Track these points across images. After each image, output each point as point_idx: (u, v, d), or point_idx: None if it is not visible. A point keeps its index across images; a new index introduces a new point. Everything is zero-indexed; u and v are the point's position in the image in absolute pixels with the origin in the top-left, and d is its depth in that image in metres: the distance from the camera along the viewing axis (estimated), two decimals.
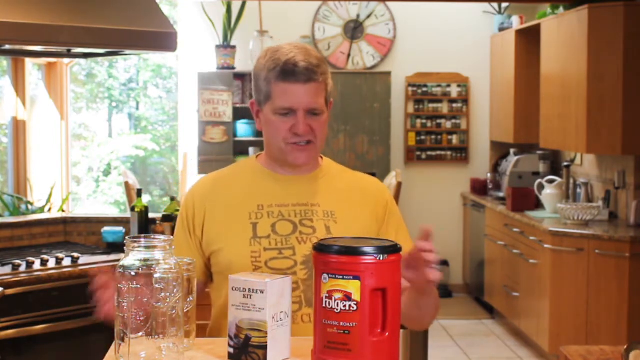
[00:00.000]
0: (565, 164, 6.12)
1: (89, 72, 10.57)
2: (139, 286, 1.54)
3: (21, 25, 3.39)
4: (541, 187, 5.93)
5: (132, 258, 1.56)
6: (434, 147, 7.46)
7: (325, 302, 1.52)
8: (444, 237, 7.42)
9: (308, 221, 2.03)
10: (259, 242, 2.00)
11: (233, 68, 6.97)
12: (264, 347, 1.60)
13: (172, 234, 2.11)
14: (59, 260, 3.62)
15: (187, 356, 1.67)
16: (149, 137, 10.52)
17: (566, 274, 5.09)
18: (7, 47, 3.73)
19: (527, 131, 6.61)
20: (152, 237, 1.60)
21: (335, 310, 1.51)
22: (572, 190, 5.97)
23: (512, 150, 6.89)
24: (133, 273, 1.54)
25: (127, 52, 4.04)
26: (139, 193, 4.18)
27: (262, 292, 1.60)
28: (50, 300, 3.49)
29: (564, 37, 5.66)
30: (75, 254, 3.71)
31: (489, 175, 7.12)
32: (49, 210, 6.14)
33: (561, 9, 5.81)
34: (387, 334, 1.53)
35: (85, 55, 4.19)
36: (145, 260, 1.56)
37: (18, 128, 6.27)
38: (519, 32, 6.64)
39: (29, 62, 6.34)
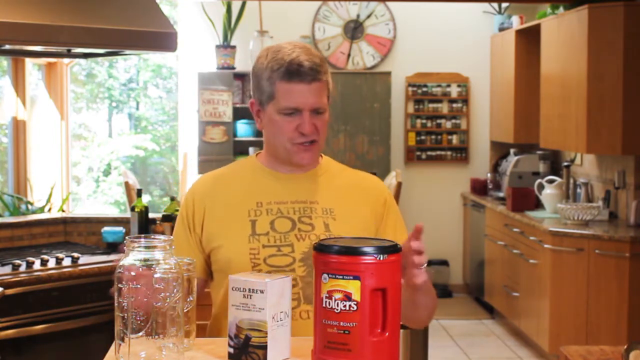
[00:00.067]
0: (565, 164, 6.12)
1: (89, 72, 10.57)
2: (139, 286, 1.54)
3: (21, 25, 3.39)
4: (541, 187, 5.93)
5: (132, 258, 1.56)
6: (434, 147, 7.46)
7: (325, 302, 1.52)
8: (444, 237, 7.42)
9: (307, 218, 2.04)
10: (258, 239, 2.00)
11: (233, 68, 6.97)
12: (264, 347, 1.60)
13: (172, 234, 2.11)
14: (59, 260, 3.62)
15: (187, 356, 1.67)
16: (149, 137, 10.52)
17: (566, 274, 5.09)
18: (7, 47, 3.73)
19: (527, 131, 6.61)
20: (152, 237, 1.60)
21: (335, 310, 1.51)
22: (572, 190, 5.97)
23: (512, 150, 6.89)
24: (133, 273, 1.54)
25: (127, 52, 4.04)
26: (139, 193, 4.18)
27: (262, 292, 1.60)
28: (50, 300, 3.49)
29: (564, 37, 5.66)
30: (75, 254, 3.71)
31: (489, 175, 7.12)
32: (49, 210, 6.14)
33: (561, 9, 5.81)
34: (387, 334, 1.53)
35: (85, 55, 4.19)
36: (145, 260, 1.56)
37: (18, 128, 6.27)
38: (519, 32, 6.64)
39: (29, 62, 6.34)
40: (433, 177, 7.50)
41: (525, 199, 6.00)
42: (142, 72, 10.84)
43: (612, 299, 4.90)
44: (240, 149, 6.97)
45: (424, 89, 7.42)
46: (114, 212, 9.59)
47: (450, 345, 5.87)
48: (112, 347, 1.64)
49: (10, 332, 3.35)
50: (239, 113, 6.97)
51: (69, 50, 3.96)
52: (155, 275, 1.55)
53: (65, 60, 6.54)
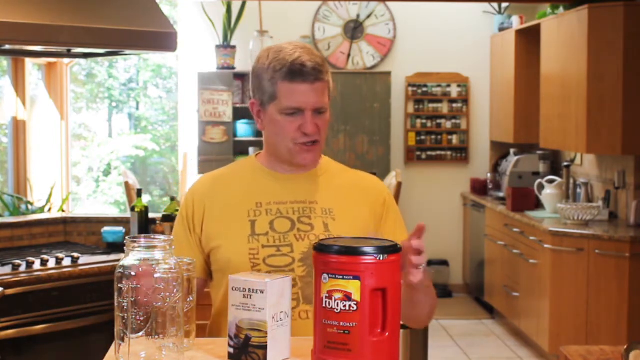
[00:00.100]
0: (565, 164, 6.12)
1: (89, 72, 10.57)
2: (139, 286, 1.54)
3: (21, 25, 3.39)
4: (541, 187, 5.93)
5: (132, 258, 1.56)
6: (434, 147, 7.46)
7: (325, 302, 1.52)
8: (444, 237, 7.42)
9: (306, 218, 2.04)
10: (257, 240, 2.01)
11: (233, 68, 6.97)
12: (264, 347, 1.60)
13: (172, 234, 2.11)
14: (59, 260, 3.62)
15: (187, 356, 1.67)
16: (149, 137, 10.52)
17: (566, 274, 5.09)
18: (7, 47, 3.73)
19: (527, 131, 6.61)
20: (152, 237, 1.60)
21: (335, 310, 1.51)
22: (572, 190, 5.97)
23: (512, 150, 6.89)
24: (133, 273, 1.54)
25: (127, 52, 4.04)
26: (139, 193, 4.18)
27: (262, 292, 1.60)
28: (50, 300, 3.49)
29: (564, 37, 5.66)
30: (75, 254, 3.71)
31: (489, 175, 7.12)
32: (49, 210, 6.14)
33: (561, 9, 5.82)
34: (387, 334, 1.53)
35: (85, 55, 4.19)
36: (145, 260, 1.56)
37: (18, 128, 6.27)
38: (519, 32, 6.64)
39: (29, 62, 6.34)
40: (433, 177, 7.50)
41: (525, 199, 6.00)
42: (142, 72, 10.84)
43: (612, 299, 4.90)
44: (240, 149, 6.97)
45: (424, 89, 7.42)
46: (114, 212, 9.59)
47: (450, 345, 5.87)
48: (112, 347, 1.64)
49: (10, 332, 3.35)
50: (239, 113, 6.97)
51: (69, 50, 3.96)
52: (155, 275, 1.55)
53: (65, 60, 6.54)
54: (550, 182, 5.90)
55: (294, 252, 2.00)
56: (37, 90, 6.75)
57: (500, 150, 7.29)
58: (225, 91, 6.90)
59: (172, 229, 2.19)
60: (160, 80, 10.93)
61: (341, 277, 1.51)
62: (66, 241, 4.28)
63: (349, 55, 7.35)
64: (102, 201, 10.35)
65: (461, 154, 7.48)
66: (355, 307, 1.50)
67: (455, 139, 7.46)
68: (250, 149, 6.90)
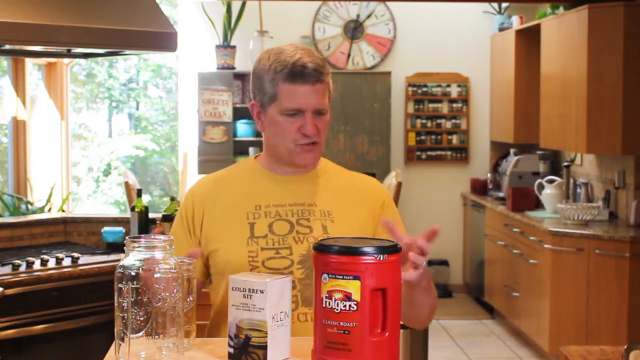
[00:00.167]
0: (565, 164, 6.13)
1: (89, 72, 10.57)
2: (139, 286, 1.54)
3: (21, 25, 3.39)
4: (541, 187, 5.93)
5: (132, 258, 1.56)
6: (434, 147, 7.46)
7: (325, 302, 1.52)
8: (444, 237, 7.42)
9: (305, 221, 2.04)
10: (256, 242, 2.01)
11: (233, 68, 6.97)
12: (264, 347, 1.60)
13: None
14: (59, 260, 3.62)
15: (187, 356, 1.67)
16: (149, 137, 10.52)
17: (566, 274, 5.09)
18: (7, 47, 3.73)
19: (527, 131, 6.61)
20: (152, 237, 1.60)
21: (335, 310, 1.51)
22: (572, 190, 5.97)
23: (512, 150, 6.89)
24: (133, 273, 1.54)
25: (127, 52, 4.04)
26: (139, 193, 4.18)
27: (262, 292, 1.60)
28: (50, 300, 3.49)
29: (564, 37, 5.66)
30: (75, 254, 3.71)
31: (489, 175, 7.12)
32: (49, 210, 6.14)
33: (561, 9, 5.82)
34: (387, 334, 1.53)
35: (85, 55, 4.19)
36: (146, 260, 1.56)
37: (18, 128, 6.27)
38: (519, 32, 6.64)
39: (29, 62, 6.34)
40: (433, 177, 7.50)
41: (525, 199, 6.00)
42: (142, 72, 10.84)
43: (612, 299, 4.90)
44: (240, 149, 6.97)
45: (424, 89, 7.42)
46: (114, 212, 9.59)
47: (450, 345, 5.87)
48: (112, 347, 1.64)
49: (10, 332, 3.35)
50: (239, 113, 6.97)
51: (69, 50, 3.96)
52: (155, 275, 1.55)
53: (65, 60, 6.54)
54: (550, 182, 5.90)
55: (293, 254, 2.01)
56: (37, 90, 6.75)
57: (500, 150, 7.29)
58: (225, 91, 6.90)
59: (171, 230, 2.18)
60: (160, 80, 10.93)
61: (341, 277, 1.51)
62: (66, 241, 4.28)
63: (349, 55, 7.35)
64: (102, 201, 10.35)
65: (461, 154, 7.48)
66: (355, 307, 1.50)
67: (455, 139, 7.46)
68: (250, 149, 6.90)
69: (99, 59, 8.84)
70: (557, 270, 5.13)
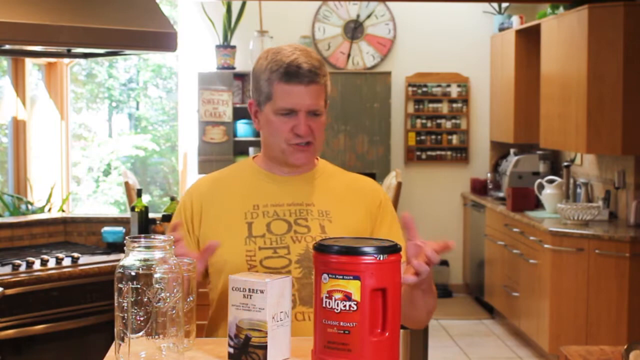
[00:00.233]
0: (565, 164, 6.13)
1: (89, 72, 10.57)
2: (139, 286, 1.54)
3: (21, 25, 3.39)
4: (541, 187, 5.93)
5: (132, 258, 1.56)
6: (434, 147, 7.46)
7: (325, 302, 1.52)
8: (444, 237, 7.39)
9: (302, 220, 2.05)
10: (254, 242, 2.02)
11: (233, 68, 6.97)
12: (264, 347, 1.60)
13: None
14: (59, 260, 3.62)
15: (187, 356, 1.67)
16: (149, 137, 10.52)
17: (566, 274, 5.09)
18: (7, 47, 3.73)
19: (527, 131, 6.61)
20: (152, 237, 1.60)
21: (335, 310, 1.51)
22: (572, 190, 5.97)
23: (512, 150, 6.89)
24: (133, 273, 1.54)
25: (127, 52, 4.04)
26: (139, 193, 4.18)
27: (262, 292, 1.60)
28: (50, 300, 3.49)
29: (564, 37, 5.66)
30: (75, 254, 3.71)
31: (489, 175, 7.13)
32: (49, 210, 6.14)
33: (561, 9, 5.82)
34: (387, 334, 1.53)
35: (85, 55, 4.19)
36: (145, 260, 1.56)
37: (18, 128, 6.27)
38: (519, 32, 6.64)
39: (29, 62, 6.34)
40: (433, 177, 7.50)
41: (525, 199, 6.00)
42: (142, 72, 10.84)
43: (612, 299, 4.90)
44: (240, 149, 6.97)
45: (424, 89, 7.42)
46: (114, 212, 9.59)
47: (450, 345, 5.87)
48: (112, 347, 1.64)
49: (10, 332, 3.35)
50: (239, 113, 6.97)
51: (69, 50, 3.96)
52: (155, 275, 1.55)
53: (65, 60, 6.54)
54: (550, 182, 5.90)
55: (291, 253, 2.01)
56: (37, 90, 6.75)
57: (500, 150, 7.29)
58: (225, 91, 6.90)
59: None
60: (160, 80, 10.93)
61: (341, 277, 1.51)
62: (66, 241, 4.28)
63: (349, 55, 7.35)
64: (102, 201, 10.35)
65: (461, 154, 7.48)
66: (355, 307, 1.50)
67: (455, 139, 7.46)
68: (250, 149, 6.90)
69: (99, 59, 8.84)
70: (557, 270, 5.13)
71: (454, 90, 7.43)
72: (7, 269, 3.48)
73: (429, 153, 7.46)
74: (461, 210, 7.50)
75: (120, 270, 1.56)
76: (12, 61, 6.21)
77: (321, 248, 1.54)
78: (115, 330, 1.58)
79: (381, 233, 2.09)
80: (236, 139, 6.97)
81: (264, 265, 2.00)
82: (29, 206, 6.05)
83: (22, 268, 3.50)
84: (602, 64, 5.20)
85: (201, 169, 6.88)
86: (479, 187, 7.11)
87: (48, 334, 3.48)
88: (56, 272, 3.53)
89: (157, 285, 1.55)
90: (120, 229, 4.14)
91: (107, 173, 10.45)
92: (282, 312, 1.63)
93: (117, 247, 4.04)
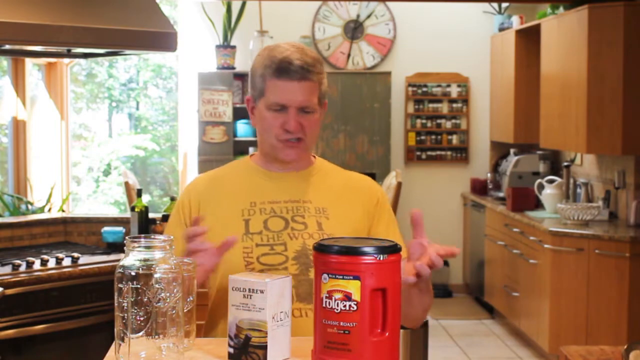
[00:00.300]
0: (565, 164, 6.13)
1: (89, 72, 10.57)
2: (139, 286, 1.54)
3: (21, 25, 3.39)
4: (541, 187, 5.93)
5: (132, 258, 1.56)
6: (434, 147, 7.46)
7: (325, 302, 1.52)
8: (444, 237, 7.41)
9: (300, 217, 2.06)
10: (251, 238, 2.02)
11: (233, 68, 6.97)
12: (264, 347, 1.60)
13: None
14: (59, 260, 3.62)
15: (187, 356, 1.67)
16: (149, 137, 10.52)
17: (566, 274, 5.09)
18: (7, 47, 3.73)
19: (527, 131, 6.61)
20: (152, 237, 1.59)
21: (335, 310, 1.51)
22: (572, 190, 5.97)
23: (512, 150, 6.89)
24: (133, 273, 1.54)
25: (127, 52, 4.04)
26: (139, 193, 4.18)
27: (262, 292, 1.60)
28: (50, 300, 3.49)
29: (564, 37, 5.66)
30: (75, 254, 3.71)
31: (489, 175, 7.12)
32: (49, 210, 6.14)
33: (561, 9, 5.82)
34: (387, 334, 1.53)
35: (85, 55, 4.19)
36: (145, 260, 1.56)
37: (18, 128, 6.27)
38: (519, 32, 6.64)
39: (29, 62, 6.34)
40: (433, 177, 7.50)
41: (525, 199, 6.00)
42: (142, 72, 10.84)
43: (612, 299, 4.90)
44: (240, 149, 6.97)
45: (424, 89, 7.42)
46: (114, 212, 9.59)
47: (450, 345, 5.87)
48: (112, 347, 1.64)
49: (10, 332, 3.35)
50: (239, 113, 6.97)
51: (69, 50, 3.96)
52: (155, 275, 1.55)
53: (65, 60, 6.54)
54: (550, 182, 5.90)
55: (288, 250, 2.02)
56: (37, 90, 6.75)
57: (500, 150, 7.29)
58: (225, 91, 6.90)
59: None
60: (160, 80, 10.92)
61: (341, 277, 1.51)
62: (66, 241, 4.28)
63: (349, 55, 7.35)
64: (102, 201, 10.35)
65: (461, 154, 7.48)
66: (355, 307, 1.50)
67: (455, 139, 7.46)
68: (250, 149, 6.90)
69: (99, 59, 8.84)
70: (557, 270, 5.13)
71: (454, 90, 7.43)
72: (7, 269, 3.48)
73: (429, 153, 7.46)
74: (461, 210, 7.50)
75: (120, 270, 1.56)
76: (12, 61, 6.21)
77: (321, 248, 1.54)
78: (115, 330, 1.58)
79: (379, 231, 2.10)
80: (236, 139, 6.97)
81: (261, 262, 2.01)
82: (29, 206, 6.05)
83: (22, 268, 3.50)
84: (602, 64, 5.20)
85: (201, 169, 6.88)
86: (479, 187, 7.11)
87: (48, 334, 3.48)
88: (56, 272, 3.53)
89: (157, 285, 1.55)
90: (120, 229, 4.14)
91: (107, 173, 10.45)
92: (282, 312, 1.63)
93: (117, 247, 4.04)
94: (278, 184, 2.10)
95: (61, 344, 3.54)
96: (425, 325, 3.04)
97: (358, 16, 7.35)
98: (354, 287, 1.50)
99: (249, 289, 1.61)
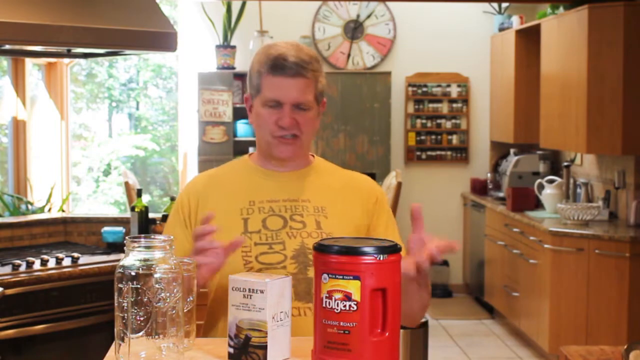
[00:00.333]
0: (565, 164, 6.13)
1: (89, 72, 10.57)
2: (139, 286, 1.54)
3: (21, 25, 3.39)
4: (541, 187, 5.93)
5: (132, 258, 1.56)
6: (434, 147, 7.46)
7: (325, 302, 1.52)
8: (444, 237, 7.40)
9: (298, 216, 2.06)
10: (250, 237, 2.03)
11: (233, 68, 6.97)
12: (264, 347, 1.60)
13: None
14: (59, 260, 3.62)
15: (187, 356, 1.67)
16: (149, 137, 10.52)
17: (566, 274, 5.09)
18: (7, 47, 3.73)
19: (527, 131, 6.61)
20: (152, 237, 1.59)
21: (335, 310, 1.51)
22: (572, 190, 5.97)
23: (512, 150, 6.89)
24: (133, 273, 1.54)
25: (127, 52, 4.04)
26: (139, 193, 4.18)
27: (262, 292, 1.60)
28: (50, 300, 3.49)
29: (564, 37, 5.66)
30: (75, 254, 3.71)
31: (489, 175, 7.12)
32: (49, 210, 6.14)
33: (561, 9, 5.82)
34: (387, 334, 1.52)
35: (85, 55, 4.19)
36: (145, 260, 1.56)
37: (18, 128, 6.27)
38: (519, 32, 6.64)
39: (29, 62, 6.34)
40: (433, 177, 7.50)
41: (525, 199, 6.00)
42: (142, 72, 10.84)
43: (612, 299, 4.90)
44: (240, 149, 6.97)
45: (424, 89, 7.42)
46: (114, 212, 9.59)
47: (450, 345, 5.87)
48: (112, 347, 1.64)
49: (10, 332, 3.35)
50: (239, 113, 6.97)
51: (69, 50, 3.96)
52: (155, 275, 1.55)
53: (65, 60, 6.54)
54: (550, 182, 5.90)
55: (286, 249, 2.02)
56: (37, 90, 6.75)
57: (500, 150, 7.29)
58: (225, 91, 6.90)
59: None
60: (160, 80, 10.92)
61: (341, 277, 1.51)
62: (66, 241, 4.28)
63: (349, 55, 7.35)
64: (102, 201, 10.35)
65: (461, 154, 7.48)
66: (355, 307, 1.50)
67: (455, 139, 7.46)
68: (250, 149, 6.89)
69: (99, 59, 8.84)
70: (557, 270, 5.13)
71: (454, 90, 7.43)
72: (7, 269, 3.48)
73: (429, 153, 7.46)
74: (461, 210, 7.50)
75: (120, 270, 1.56)
76: (12, 61, 6.21)
77: (321, 248, 1.54)
78: (115, 330, 1.58)
79: (377, 231, 2.10)
80: (236, 139, 6.97)
81: (260, 261, 2.01)
82: (29, 206, 6.05)
83: (22, 268, 3.50)
84: (602, 64, 5.20)
85: (201, 169, 6.88)
86: (479, 187, 7.11)
87: (48, 334, 3.48)
88: (56, 272, 3.53)
89: (157, 285, 1.55)
90: (120, 229, 4.14)
91: (107, 173, 10.45)
92: (282, 312, 1.63)
93: (117, 247, 4.04)
94: (277, 183, 2.11)
95: (61, 344, 3.54)
96: (425, 325, 3.03)
97: (358, 16, 7.35)
98: (354, 287, 1.50)
99: (249, 289, 1.61)
